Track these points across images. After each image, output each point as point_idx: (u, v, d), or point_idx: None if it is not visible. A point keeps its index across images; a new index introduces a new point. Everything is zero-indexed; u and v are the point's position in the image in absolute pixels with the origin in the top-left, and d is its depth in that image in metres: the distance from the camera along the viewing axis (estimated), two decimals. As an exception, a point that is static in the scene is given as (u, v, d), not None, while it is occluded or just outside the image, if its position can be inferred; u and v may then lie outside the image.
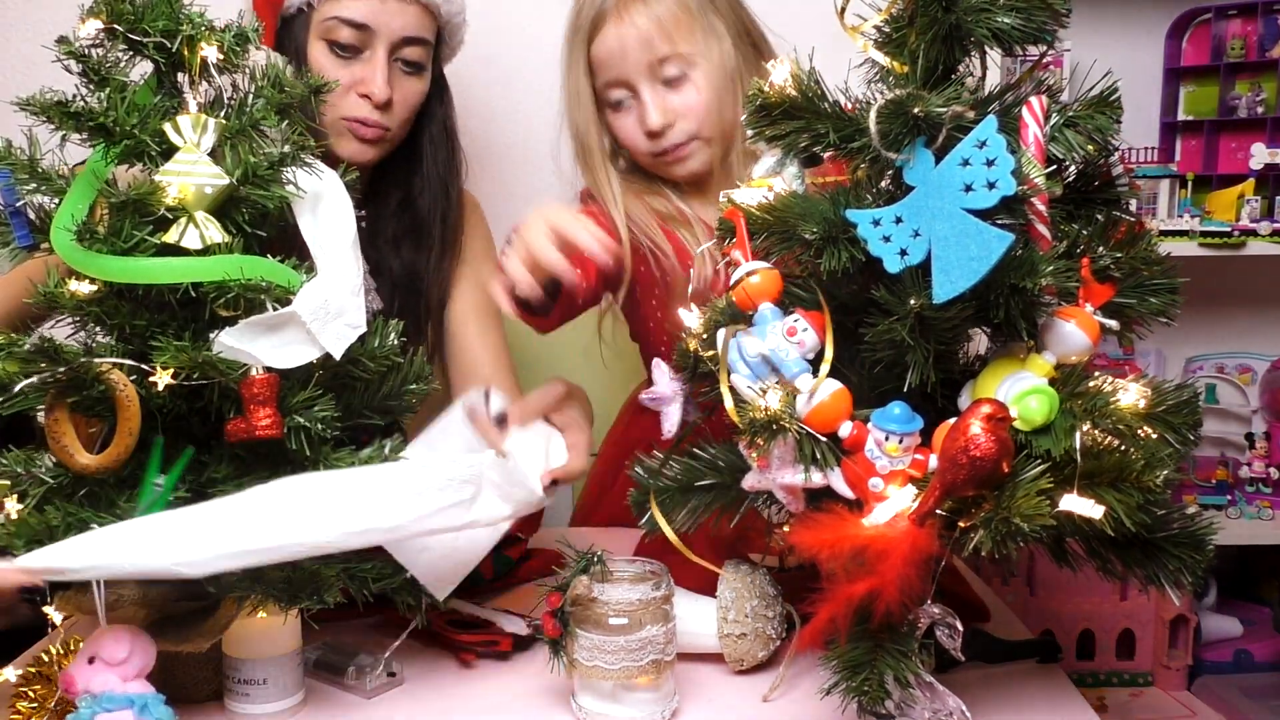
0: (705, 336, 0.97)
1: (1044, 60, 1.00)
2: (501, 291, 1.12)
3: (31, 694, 0.93)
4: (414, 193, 1.48)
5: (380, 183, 1.49)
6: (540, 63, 1.79)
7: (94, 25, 0.94)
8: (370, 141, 1.39)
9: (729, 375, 0.91)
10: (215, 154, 0.94)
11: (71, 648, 0.94)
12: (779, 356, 0.89)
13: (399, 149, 1.46)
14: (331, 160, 1.24)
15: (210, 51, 0.95)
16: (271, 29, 1.36)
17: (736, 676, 1.07)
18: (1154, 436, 0.83)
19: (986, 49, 0.90)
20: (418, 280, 1.47)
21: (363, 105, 1.36)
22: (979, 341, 0.95)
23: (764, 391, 0.87)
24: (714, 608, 1.06)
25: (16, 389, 0.87)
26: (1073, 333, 0.87)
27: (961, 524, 0.83)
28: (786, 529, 0.93)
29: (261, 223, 0.97)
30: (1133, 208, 1.00)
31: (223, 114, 0.96)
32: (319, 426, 0.95)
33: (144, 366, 0.89)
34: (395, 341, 1.03)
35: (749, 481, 0.93)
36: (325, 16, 1.34)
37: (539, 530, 1.45)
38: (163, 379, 0.88)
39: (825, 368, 0.88)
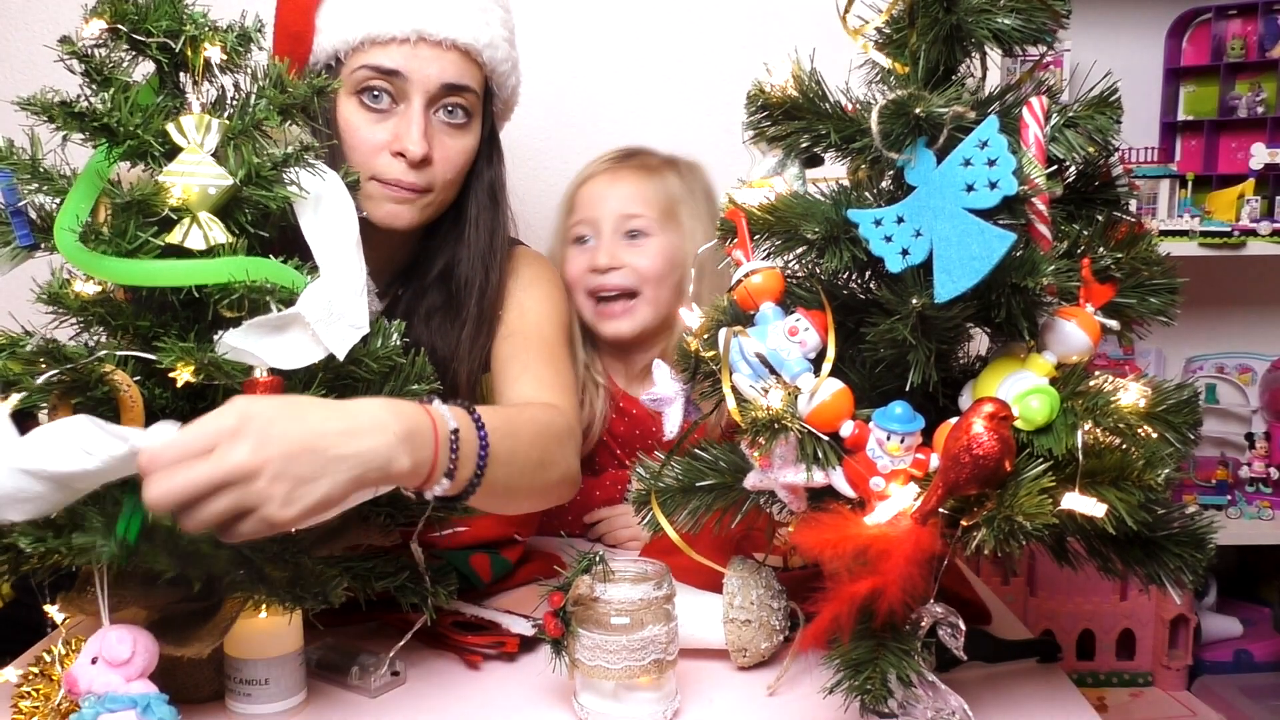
0: (706, 336, 0.97)
1: (1044, 60, 1.01)
2: None
3: (34, 693, 0.93)
4: (453, 263, 1.34)
5: (424, 250, 1.36)
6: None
7: (97, 25, 0.94)
8: (406, 202, 1.25)
9: (730, 375, 0.91)
10: (218, 154, 0.95)
11: (74, 647, 0.94)
12: (780, 356, 0.89)
13: (446, 213, 1.32)
14: (366, 224, 1.13)
15: (213, 52, 0.95)
16: None
17: (738, 676, 1.07)
18: (1154, 436, 0.83)
19: (987, 50, 0.90)
20: (448, 359, 1.33)
21: (397, 165, 1.22)
22: (980, 341, 0.95)
23: (766, 391, 0.87)
24: (718, 603, 1.06)
25: (37, 383, 0.87)
26: (1073, 332, 0.87)
27: (964, 523, 0.83)
28: (790, 529, 0.93)
29: (264, 224, 0.97)
30: (1133, 208, 1.00)
31: (225, 115, 0.97)
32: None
33: (149, 357, 0.89)
34: (397, 342, 1.03)
35: (751, 481, 0.93)
36: (355, 67, 1.22)
37: (536, 533, 1.45)
38: (182, 375, 0.88)
39: (827, 367, 0.89)
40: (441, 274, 1.34)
